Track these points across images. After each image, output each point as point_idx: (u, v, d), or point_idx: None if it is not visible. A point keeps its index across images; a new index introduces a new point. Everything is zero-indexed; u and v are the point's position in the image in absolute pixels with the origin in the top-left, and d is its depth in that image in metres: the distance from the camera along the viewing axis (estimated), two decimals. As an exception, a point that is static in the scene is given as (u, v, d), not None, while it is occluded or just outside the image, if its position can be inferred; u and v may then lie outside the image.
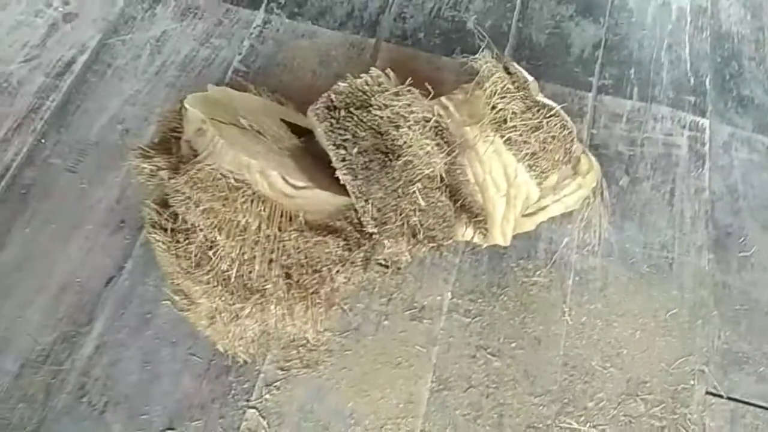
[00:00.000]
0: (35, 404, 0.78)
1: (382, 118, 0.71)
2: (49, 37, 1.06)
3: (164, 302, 0.83)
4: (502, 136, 0.75)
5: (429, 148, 0.70)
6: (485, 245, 0.88)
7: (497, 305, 0.86)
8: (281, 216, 0.68)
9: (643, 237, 0.92)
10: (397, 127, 0.71)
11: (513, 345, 0.84)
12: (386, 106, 0.71)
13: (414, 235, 0.72)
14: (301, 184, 0.70)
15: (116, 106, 0.99)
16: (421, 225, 0.73)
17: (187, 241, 0.68)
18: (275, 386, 0.79)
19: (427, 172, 0.70)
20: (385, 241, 0.72)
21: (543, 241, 0.91)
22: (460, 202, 0.76)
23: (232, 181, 0.67)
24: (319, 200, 0.72)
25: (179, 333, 0.82)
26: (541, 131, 0.75)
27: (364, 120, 0.72)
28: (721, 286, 0.89)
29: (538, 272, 0.89)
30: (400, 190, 0.70)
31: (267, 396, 0.79)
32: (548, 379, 0.82)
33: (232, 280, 0.67)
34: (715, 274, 0.90)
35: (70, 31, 1.07)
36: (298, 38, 1.08)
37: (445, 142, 0.72)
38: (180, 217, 0.68)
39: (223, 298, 0.66)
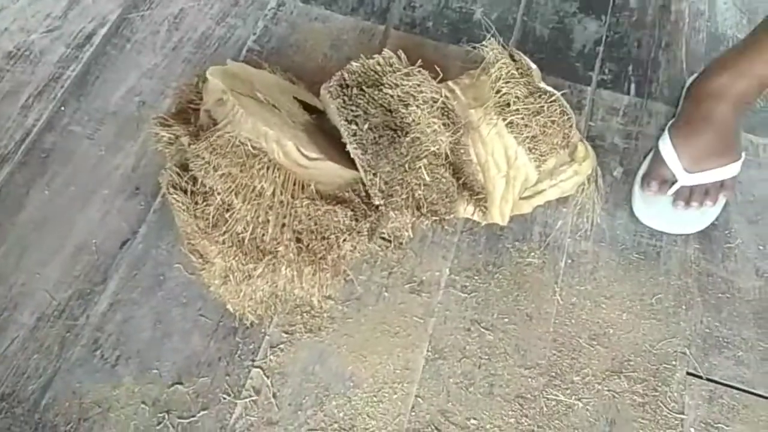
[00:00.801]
0: (50, 356, 0.82)
1: (392, 96, 0.75)
2: (70, 9, 1.09)
3: (176, 265, 0.88)
4: (504, 119, 0.79)
5: (436, 127, 0.74)
6: (483, 223, 0.92)
7: (492, 283, 0.91)
8: (294, 184, 0.72)
9: (633, 225, 0.97)
10: (407, 105, 0.75)
11: (506, 320, 0.88)
12: (397, 85, 0.75)
13: (418, 208, 0.76)
14: (314, 155, 0.74)
15: (134, 79, 1.03)
16: (425, 199, 0.77)
17: (205, 203, 0.72)
18: (279, 348, 0.84)
19: (433, 149, 0.74)
20: (391, 213, 0.76)
21: (538, 224, 0.96)
22: (462, 180, 0.81)
23: (250, 148, 0.71)
24: (330, 172, 0.76)
25: (190, 295, 0.86)
26: (541, 115, 0.79)
27: (375, 98, 0.76)
28: (705, 274, 0.94)
29: (532, 254, 0.93)
30: (406, 165, 0.74)
31: (271, 357, 0.83)
32: (538, 353, 0.86)
33: (246, 241, 0.71)
34: (701, 263, 0.95)
35: (91, 4, 1.10)
36: (311, 21, 1.12)
37: (451, 122, 0.77)
38: (199, 180, 0.72)
39: (237, 258, 0.71)
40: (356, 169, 0.79)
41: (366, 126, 0.75)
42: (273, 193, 0.70)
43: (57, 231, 0.90)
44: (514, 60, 0.86)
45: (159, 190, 0.93)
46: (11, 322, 0.83)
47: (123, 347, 0.83)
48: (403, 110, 0.75)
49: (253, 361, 0.83)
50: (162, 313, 0.85)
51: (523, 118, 0.79)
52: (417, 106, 0.75)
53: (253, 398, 0.81)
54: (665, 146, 0.93)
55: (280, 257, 0.71)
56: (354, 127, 0.76)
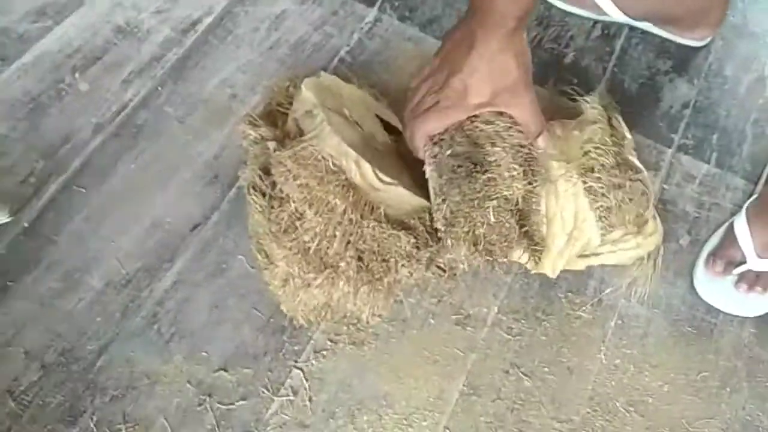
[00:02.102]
0: (111, 321, 0.87)
1: (482, 131, 0.76)
2: (182, -6, 1.15)
3: (239, 257, 0.92)
4: (584, 182, 0.80)
5: (515, 173, 0.75)
6: (533, 271, 0.92)
7: (539, 329, 0.91)
8: (365, 205, 0.75)
9: (691, 298, 0.96)
10: (493, 144, 0.76)
11: (546, 369, 0.89)
12: (490, 122, 0.77)
13: (475, 244, 0.77)
14: (388, 179, 0.77)
15: (229, 71, 1.08)
16: (484, 238, 0.78)
17: (280, 209, 0.75)
18: (322, 354, 0.87)
19: (506, 193, 0.76)
20: (448, 241, 0.77)
21: (594, 279, 0.96)
22: (525, 228, 0.82)
23: (331, 165, 0.74)
24: (401, 198, 0.79)
25: (248, 287, 0.90)
26: (621, 190, 0.80)
27: (465, 128, 0.77)
28: (756, 360, 0.92)
29: (583, 308, 0.93)
30: (476, 202, 0.76)
31: (313, 361, 0.86)
32: (572, 408, 0.87)
33: (312, 251, 0.74)
34: (753, 348, 0.93)
35: (202, -7, 1.16)
36: (404, 41, 1.15)
37: (531, 171, 0.78)
38: (278, 186, 0.76)
39: (300, 266, 0.74)
40: (426, 197, 0.81)
41: (449, 152, 0.77)
42: (344, 211, 0.73)
43: (136, 204, 0.95)
44: (611, 125, 0.86)
45: (236, 182, 0.97)
46: (82, 283, 0.89)
47: (179, 325, 0.87)
48: (489, 148, 0.76)
49: (296, 361, 0.86)
50: (220, 299, 0.89)
51: (602, 187, 0.79)
52: (503, 148, 0.76)
53: (290, 398, 0.84)
54: (740, 226, 0.92)
55: (340, 272, 0.74)
56: (437, 149, 0.78)
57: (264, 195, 0.76)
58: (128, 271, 0.91)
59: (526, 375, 0.88)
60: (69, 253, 0.91)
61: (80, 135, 1.00)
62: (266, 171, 0.79)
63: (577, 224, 0.81)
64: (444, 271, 0.89)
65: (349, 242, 0.74)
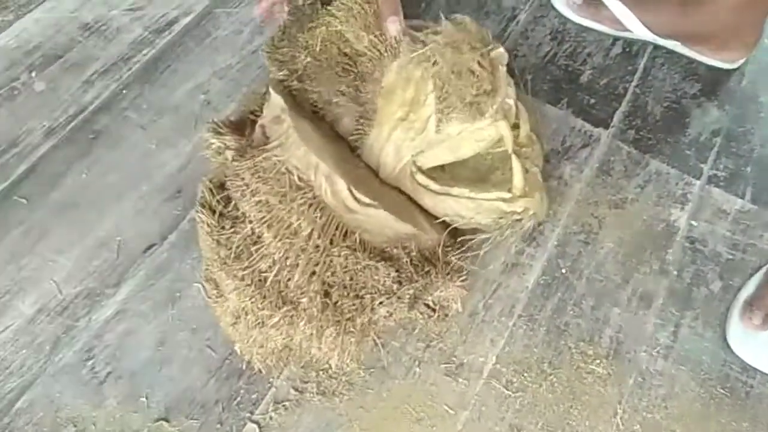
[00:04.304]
0: (39, 354, 0.74)
1: None
2: (159, -8, 1.05)
3: (196, 284, 0.79)
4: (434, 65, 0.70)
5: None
6: (528, 285, 0.79)
7: (544, 385, 0.77)
8: (337, 229, 0.62)
9: (723, 354, 0.81)
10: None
11: (550, 433, 0.74)
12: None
13: None
14: (366, 200, 0.64)
15: (204, 76, 0.97)
16: None
17: (232, 230, 0.62)
18: (284, 406, 0.73)
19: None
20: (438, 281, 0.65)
21: (611, 327, 0.82)
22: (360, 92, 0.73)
23: (296, 179, 0.62)
24: (381, 222, 0.66)
25: (203, 321, 0.77)
26: (460, 66, 0.69)
27: None
28: (802, 432, 0.77)
29: (597, 361, 0.79)
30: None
31: (273, 414, 0.72)
32: (581, 482, 0.72)
33: (268, 283, 0.61)
34: (798, 417, 0.78)
35: (181, -8, 1.05)
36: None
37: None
38: (233, 203, 0.63)
39: (253, 300, 0.61)
40: (411, 222, 0.68)
41: None
42: (309, 235, 0.61)
43: (84, 219, 0.83)
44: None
45: (199, 198, 0.85)
46: (10, 307, 0.76)
47: (116, 363, 0.74)
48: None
49: (252, 413, 0.72)
50: (168, 334, 0.76)
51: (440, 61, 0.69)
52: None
53: (242, 457, 0.70)
54: (783, 272, 0.78)
55: (301, 310, 0.61)
56: None
57: (214, 213, 0.64)
58: (65, 296, 0.78)
59: (526, 440, 0.74)
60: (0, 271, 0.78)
61: (29, 139, 0.88)
62: (222, 186, 0.66)
63: (414, 107, 0.71)
64: (434, 310, 0.76)
65: (314, 273, 0.61)
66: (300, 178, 0.62)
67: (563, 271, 0.86)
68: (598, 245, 0.89)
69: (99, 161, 0.88)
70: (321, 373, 0.74)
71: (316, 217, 0.61)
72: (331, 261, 0.61)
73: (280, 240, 0.60)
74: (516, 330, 0.81)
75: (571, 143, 0.98)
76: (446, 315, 0.78)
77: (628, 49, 1.09)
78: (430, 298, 0.71)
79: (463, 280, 0.72)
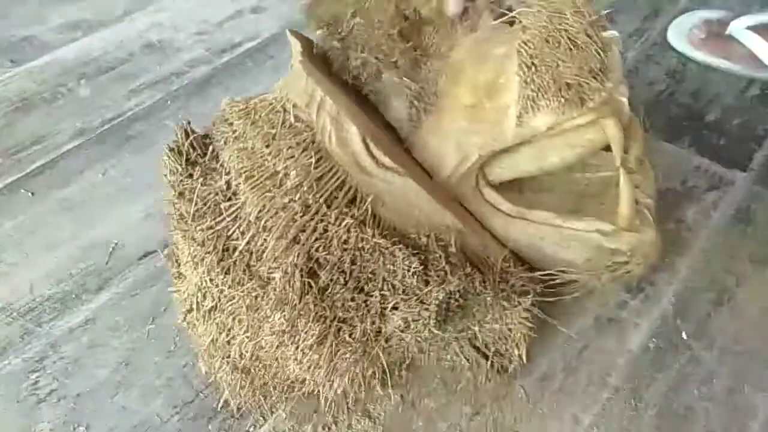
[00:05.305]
0: (-15, 359, 0.60)
1: None
2: (230, 20, 1.00)
3: (186, 298, 0.62)
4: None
5: None
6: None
7: (651, 490, 0.50)
8: (339, 188, 0.44)
9: None
10: None
11: None
12: None
13: None
14: (387, 161, 0.46)
15: (255, 92, 0.87)
16: None
17: (202, 180, 0.47)
18: (261, 465, 0.51)
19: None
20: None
21: (757, 420, 0.54)
22: None
23: (291, 118, 0.46)
24: (409, 196, 0.47)
25: (183, 344, 0.59)
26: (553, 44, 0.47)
27: None
28: None
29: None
30: None
31: (243, 474, 0.51)
32: None
33: (236, 253, 0.43)
34: None
35: (252, 20, 1.00)
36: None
37: None
38: (213, 152, 0.48)
39: (212, 276, 0.43)
40: (460, 214, 0.49)
41: None
42: (297, 188, 0.43)
43: (85, 219, 0.72)
44: None
45: (218, 207, 0.71)
46: (-29, 302, 0.64)
47: (65, 381, 0.57)
48: None
49: (216, 469, 0.51)
50: (137, 353, 0.59)
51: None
52: None
53: None
54: None
55: (271, 289, 0.41)
56: None
57: (188, 161, 0.48)
58: (36, 297, 0.64)
59: None
60: (-25, 263, 0.67)
61: (56, 138, 0.81)
62: (208, 136, 0.51)
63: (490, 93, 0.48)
64: (486, 357, 0.54)
65: (296, 240, 0.42)
66: (297, 117, 0.46)
67: (684, 336, 0.61)
68: (736, 308, 0.63)
69: (121, 163, 0.78)
70: (322, 413, 0.53)
71: (309, 164, 0.44)
72: (325, 230, 0.43)
73: (258, 194, 0.43)
74: (611, 406, 0.56)
75: (694, 184, 0.76)
76: (504, 369, 0.55)
77: (768, 92, 0.87)
78: (476, 327, 0.49)
79: (528, 310, 0.50)
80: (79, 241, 0.69)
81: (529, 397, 0.56)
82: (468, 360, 0.54)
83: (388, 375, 0.50)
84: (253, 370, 0.46)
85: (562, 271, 0.57)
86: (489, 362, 0.53)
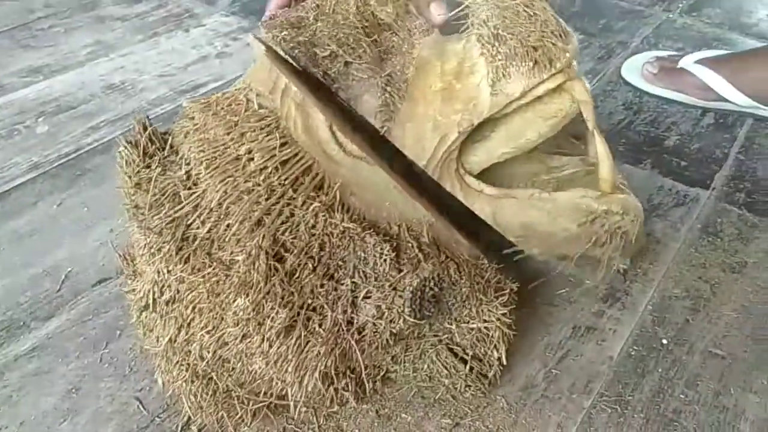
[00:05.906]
0: None
1: None
2: (194, 64, 1.01)
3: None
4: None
5: None
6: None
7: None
8: (306, 173, 0.42)
9: None
10: None
11: None
12: None
13: None
14: (356, 150, 0.45)
15: (220, 126, 0.86)
16: None
17: (159, 170, 0.44)
18: (224, 489, 0.46)
19: None
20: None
21: (748, 421, 0.52)
22: None
23: (255, 105, 0.45)
24: (377, 188, 0.46)
25: (139, 368, 0.55)
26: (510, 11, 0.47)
27: None
28: None
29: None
30: None
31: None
32: None
33: (196, 242, 0.41)
34: None
35: (217, 65, 1.01)
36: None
37: None
38: (171, 147, 0.46)
39: (170, 264, 0.40)
40: (432, 207, 0.47)
41: None
42: (262, 170, 0.41)
43: (37, 248, 0.68)
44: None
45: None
46: None
47: (7, 409, 0.52)
48: None
49: (172, 497, 0.46)
50: (88, 378, 0.54)
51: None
52: None
53: None
54: None
55: (234, 272, 0.39)
56: None
57: (146, 154, 0.46)
58: (-22, 326, 0.59)
59: None
60: None
61: (10, 171, 0.78)
62: (168, 133, 0.49)
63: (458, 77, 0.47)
64: (465, 362, 0.51)
65: (260, 223, 0.40)
66: (261, 105, 0.45)
67: (664, 341, 0.59)
68: (713, 314, 0.62)
69: (76, 196, 0.75)
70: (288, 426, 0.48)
71: (274, 147, 0.42)
72: (292, 214, 0.41)
73: (220, 179, 0.41)
74: (597, 414, 0.53)
75: (660, 201, 0.76)
76: (484, 375, 0.52)
77: (722, 120, 0.91)
78: (453, 326, 0.47)
79: (505, 306, 0.48)
80: (30, 269, 0.65)
81: (511, 407, 0.53)
82: (446, 367, 0.51)
83: (364, 387, 0.47)
84: (215, 375, 0.42)
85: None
86: (468, 367, 0.51)
